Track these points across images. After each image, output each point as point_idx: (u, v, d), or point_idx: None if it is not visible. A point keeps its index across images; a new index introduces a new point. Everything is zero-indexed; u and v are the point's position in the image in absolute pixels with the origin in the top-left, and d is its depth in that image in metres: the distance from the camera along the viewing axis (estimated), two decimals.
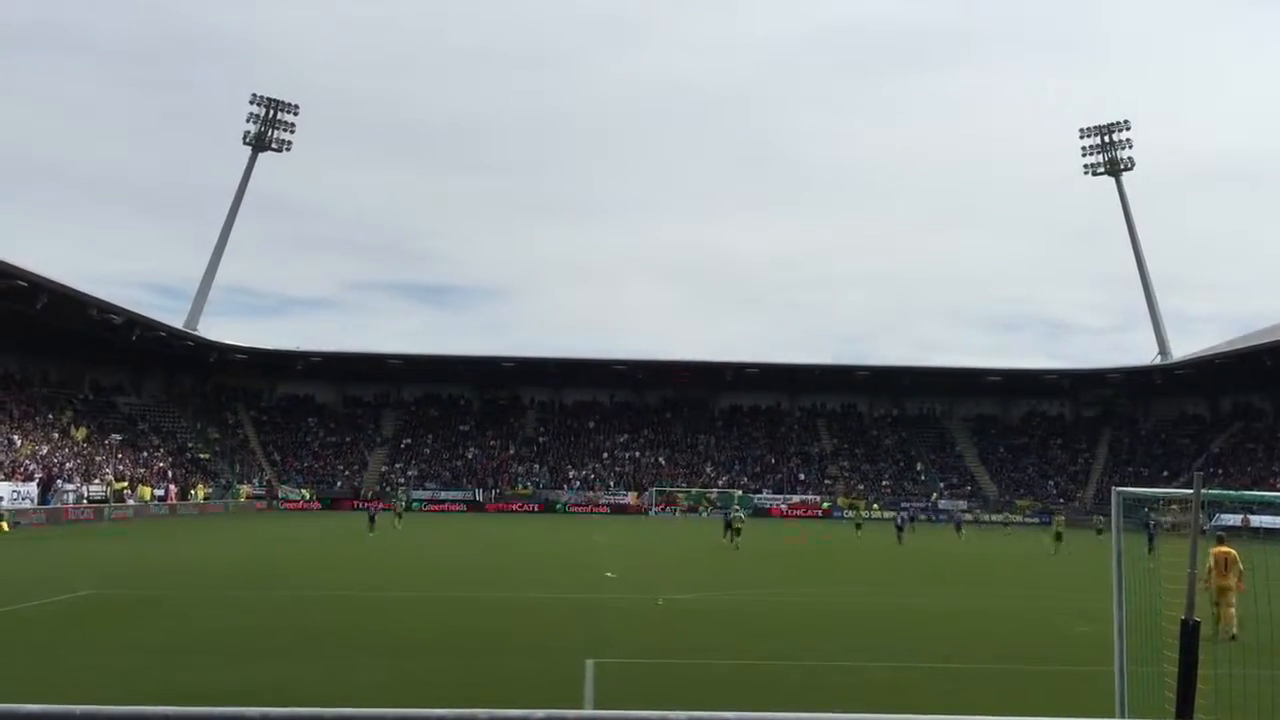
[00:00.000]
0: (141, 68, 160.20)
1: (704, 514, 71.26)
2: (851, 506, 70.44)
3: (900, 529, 45.39)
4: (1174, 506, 26.65)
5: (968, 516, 61.77)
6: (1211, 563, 15.92)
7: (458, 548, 36.44)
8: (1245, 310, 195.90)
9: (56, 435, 60.50)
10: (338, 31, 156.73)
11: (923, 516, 66.55)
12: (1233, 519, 45.97)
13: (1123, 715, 8.70)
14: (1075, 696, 11.83)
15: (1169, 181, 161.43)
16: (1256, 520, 45.36)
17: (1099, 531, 40.16)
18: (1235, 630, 15.31)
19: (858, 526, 51.19)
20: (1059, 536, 40.09)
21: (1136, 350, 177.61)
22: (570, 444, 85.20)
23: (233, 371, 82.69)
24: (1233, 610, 15.65)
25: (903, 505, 66.41)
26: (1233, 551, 16.27)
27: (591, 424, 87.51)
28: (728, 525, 40.74)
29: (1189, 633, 8.19)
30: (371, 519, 43.70)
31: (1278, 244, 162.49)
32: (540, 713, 2.92)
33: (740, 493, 74.48)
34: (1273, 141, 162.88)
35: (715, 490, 77.11)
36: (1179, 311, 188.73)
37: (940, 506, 74.40)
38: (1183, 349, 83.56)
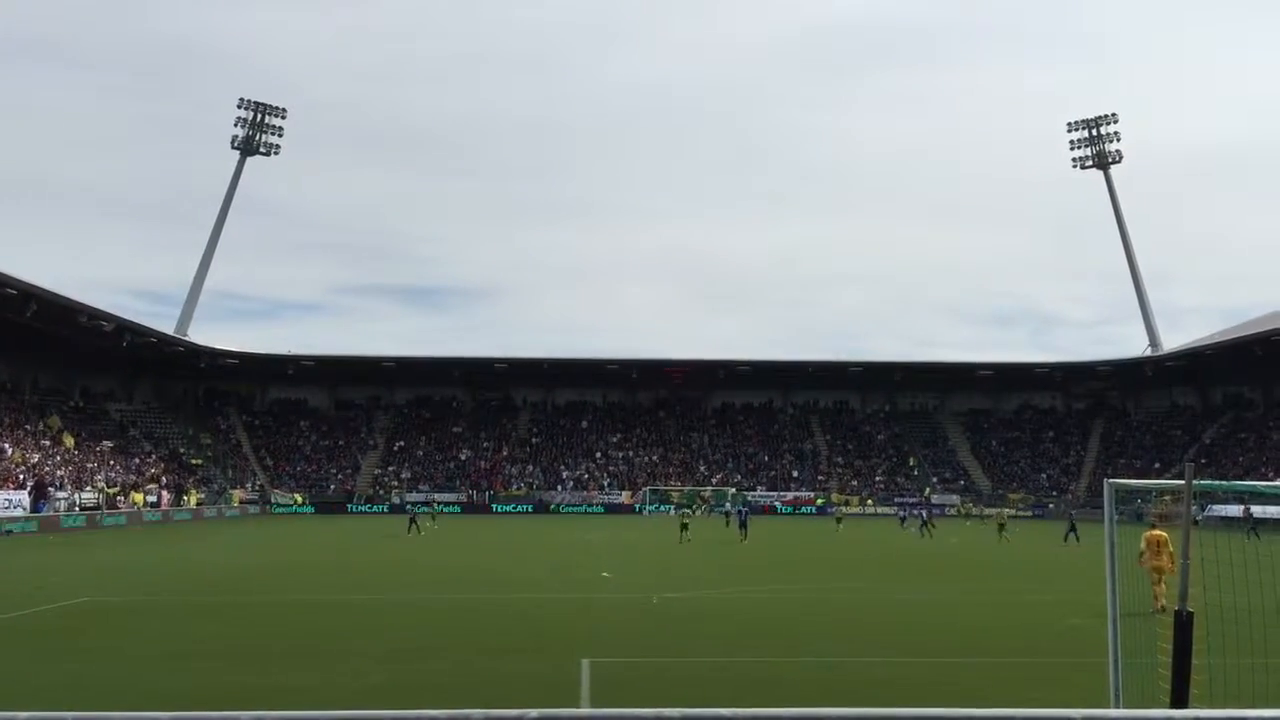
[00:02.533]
0: (128, 75, 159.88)
1: (698, 512, 71.07)
2: (846, 503, 70.52)
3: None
4: (1166, 497, 26.83)
5: (914, 513, 61.12)
6: (1143, 545, 17.55)
7: (465, 549, 36.38)
8: (1234, 302, 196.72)
9: (47, 443, 60.28)
10: (326, 36, 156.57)
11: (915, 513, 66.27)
12: (1232, 510, 46.00)
13: (1117, 705, 8.72)
14: (1068, 687, 11.84)
15: (1158, 176, 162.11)
16: (1258, 511, 45.43)
17: (1001, 527, 42.32)
18: (1164, 605, 16.24)
19: (838, 521, 52.42)
20: (1002, 528, 42.52)
21: (1126, 343, 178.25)
22: (563, 444, 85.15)
23: (224, 376, 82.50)
24: (1163, 588, 16.85)
25: (896, 500, 66.28)
26: (1164, 534, 17.71)
27: (584, 424, 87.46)
28: (741, 524, 41.26)
29: (1183, 623, 8.22)
30: (413, 520, 46.77)
31: (1266, 236, 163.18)
32: (534, 712, 2.92)
33: (734, 490, 74.55)
34: (1261, 134, 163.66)
35: (709, 488, 77.16)
36: (1168, 304, 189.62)
37: (935, 501, 74.46)
38: (1172, 341, 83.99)
